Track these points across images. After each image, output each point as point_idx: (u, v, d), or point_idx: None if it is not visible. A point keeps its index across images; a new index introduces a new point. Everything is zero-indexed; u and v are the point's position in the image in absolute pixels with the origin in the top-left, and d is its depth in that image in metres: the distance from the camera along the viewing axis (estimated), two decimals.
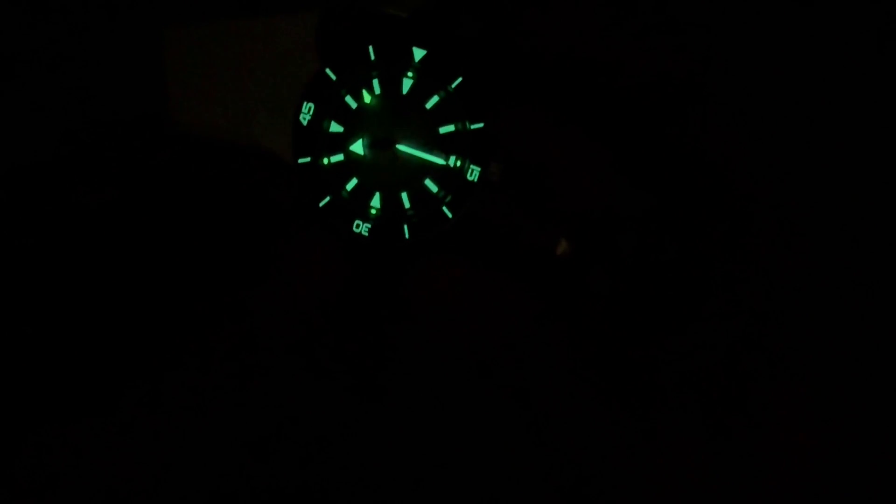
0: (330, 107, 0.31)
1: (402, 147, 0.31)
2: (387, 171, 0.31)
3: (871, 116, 0.33)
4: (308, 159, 0.31)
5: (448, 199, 0.31)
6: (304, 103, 0.31)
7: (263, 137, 0.33)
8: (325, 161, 0.31)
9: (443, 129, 0.31)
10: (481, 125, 0.30)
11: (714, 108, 0.33)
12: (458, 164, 0.31)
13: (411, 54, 0.31)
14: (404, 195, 0.31)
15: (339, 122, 0.31)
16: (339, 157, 0.31)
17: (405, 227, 0.31)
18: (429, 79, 0.31)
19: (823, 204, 0.33)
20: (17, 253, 0.33)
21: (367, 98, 0.31)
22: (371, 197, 0.31)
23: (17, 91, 0.36)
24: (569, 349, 0.31)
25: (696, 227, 0.32)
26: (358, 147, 0.31)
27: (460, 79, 0.30)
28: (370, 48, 0.31)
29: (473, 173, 0.31)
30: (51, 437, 0.29)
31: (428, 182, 0.31)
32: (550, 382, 0.31)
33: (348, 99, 0.31)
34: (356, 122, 0.31)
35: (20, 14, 0.36)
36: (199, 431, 0.31)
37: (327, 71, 0.31)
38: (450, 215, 0.31)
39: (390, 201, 0.31)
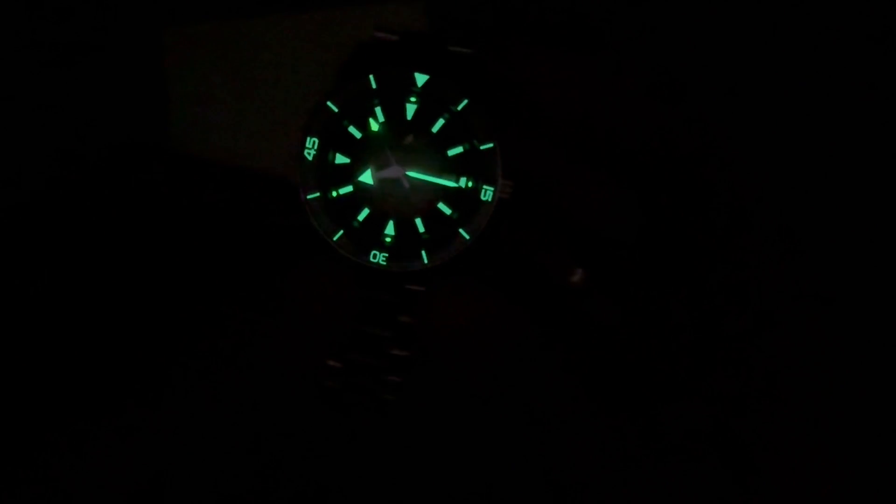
0: (334, 139, 0.31)
1: (411, 173, 0.30)
2: (398, 198, 0.31)
3: (871, 116, 0.33)
4: (317, 194, 0.31)
5: (463, 220, 0.31)
6: (308, 138, 0.30)
7: (263, 140, 0.33)
8: (334, 194, 0.31)
9: (451, 152, 0.31)
10: (491, 145, 0.30)
11: (714, 107, 0.33)
12: (470, 184, 0.31)
13: (413, 79, 0.30)
14: (418, 220, 0.31)
15: (345, 154, 0.31)
16: (348, 189, 0.31)
17: (423, 252, 0.30)
18: (433, 102, 0.30)
19: (824, 203, 0.33)
20: (17, 255, 0.33)
21: (373, 126, 0.31)
22: (385, 225, 0.31)
23: (13, 96, 0.36)
24: (574, 366, 0.32)
25: (695, 229, 0.32)
26: (367, 177, 0.31)
27: (466, 101, 0.30)
28: (371, 77, 0.30)
29: (487, 193, 0.30)
30: (51, 437, 0.29)
31: (441, 205, 0.31)
32: (554, 398, 0.32)
33: (352, 129, 0.31)
34: (362, 152, 0.31)
35: (18, 15, 0.35)
36: (201, 433, 0.30)
37: (329, 103, 0.30)
38: (467, 236, 0.30)
39: (405, 228, 0.31)
